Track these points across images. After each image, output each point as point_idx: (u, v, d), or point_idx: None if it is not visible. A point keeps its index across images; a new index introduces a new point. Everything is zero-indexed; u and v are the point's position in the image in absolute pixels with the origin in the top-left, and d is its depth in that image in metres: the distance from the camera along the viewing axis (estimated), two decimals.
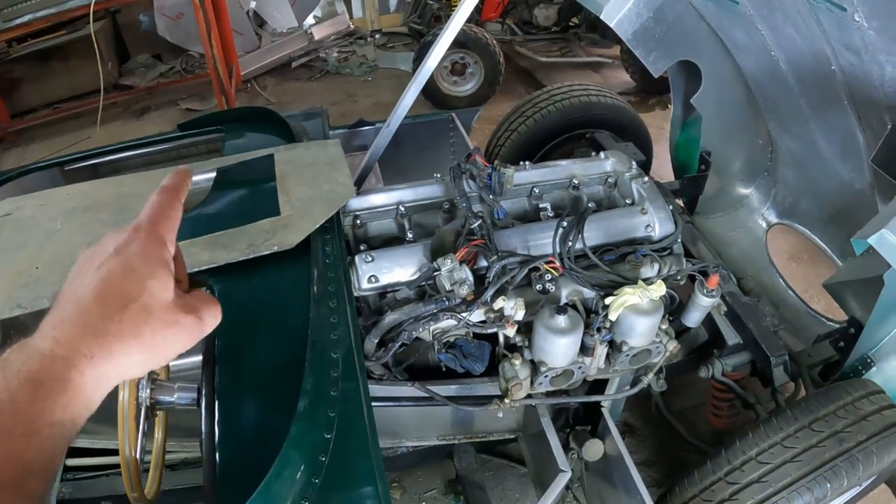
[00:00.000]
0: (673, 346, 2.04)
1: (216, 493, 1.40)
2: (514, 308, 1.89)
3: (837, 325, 2.68)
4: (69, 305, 0.72)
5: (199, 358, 1.65)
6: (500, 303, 1.86)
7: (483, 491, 2.52)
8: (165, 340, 0.76)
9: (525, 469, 2.67)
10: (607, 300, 1.91)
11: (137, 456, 1.48)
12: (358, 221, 2.16)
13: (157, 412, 1.65)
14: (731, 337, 2.41)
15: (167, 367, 1.76)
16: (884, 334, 2.29)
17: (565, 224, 2.04)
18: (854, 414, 2.10)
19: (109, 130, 6.01)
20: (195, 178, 2.25)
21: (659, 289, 1.91)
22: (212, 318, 0.83)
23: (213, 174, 2.25)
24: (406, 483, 3.10)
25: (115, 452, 1.45)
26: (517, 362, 1.90)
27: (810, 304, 3.14)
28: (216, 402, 1.51)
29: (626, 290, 1.88)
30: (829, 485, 1.98)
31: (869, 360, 2.38)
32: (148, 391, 1.52)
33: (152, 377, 1.56)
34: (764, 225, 3.44)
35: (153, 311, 0.75)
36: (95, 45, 5.59)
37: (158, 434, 1.70)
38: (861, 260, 2.51)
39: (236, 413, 1.53)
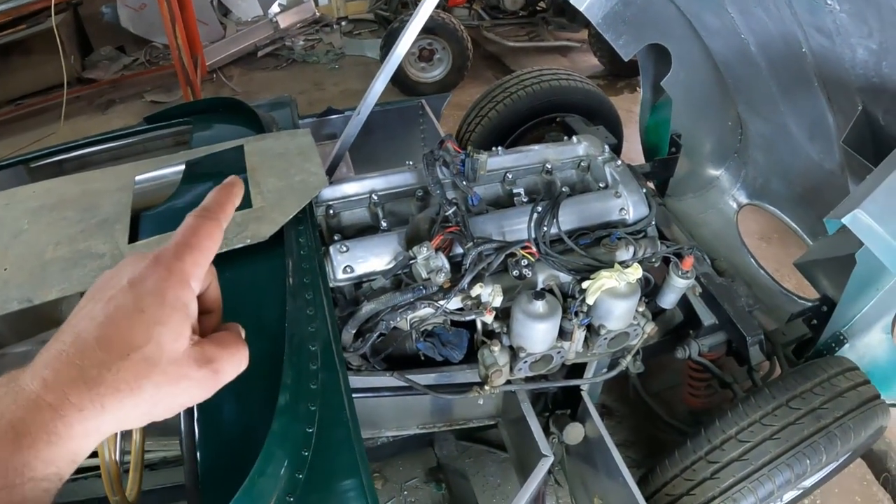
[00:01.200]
0: (650, 328, 2.05)
1: (199, 493, 1.38)
2: (491, 294, 1.88)
3: (810, 304, 2.71)
4: (69, 341, 0.62)
5: None
6: (477, 290, 1.86)
7: (465, 478, 2.52)
8: (170, 396, 0.66)
9: (505, 454, 2.68)
10: (584, 284, 1.91)
11: (116, 458, 1.45)
12: (331, 211, 2.13)
13: None
14: (707, 318, 2.43)
15: None
16: (856, 311, 2.33)
17: (540, 209, 2.03)
18: (831, 391, 2.14)
19: (74, 125, 5.91)
20: (162, 171, 2.24)
21: (635, 272, 1.91)
22: (232, 368, 0.72)
23: (182, 167, 2.21)
24: (387, 473, 3.09)
25: (94, 455, 1.42)
26: (496, 349, 1.89)
27: (781, 283, 3.17)
28: None
29: (603, 273, 1.88)
30: (808, 461, 2.01)
31: (842, 338, 2.43)
32: None
33: None
34: (734, 206, 3.46)
35: (158, 363, 0.64)
36: (57, 39, 5.49)
37: (136, 434, 1.67)
38: (831, 239, 2.53)
39: (216, 410, 1.50)
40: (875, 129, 2.19)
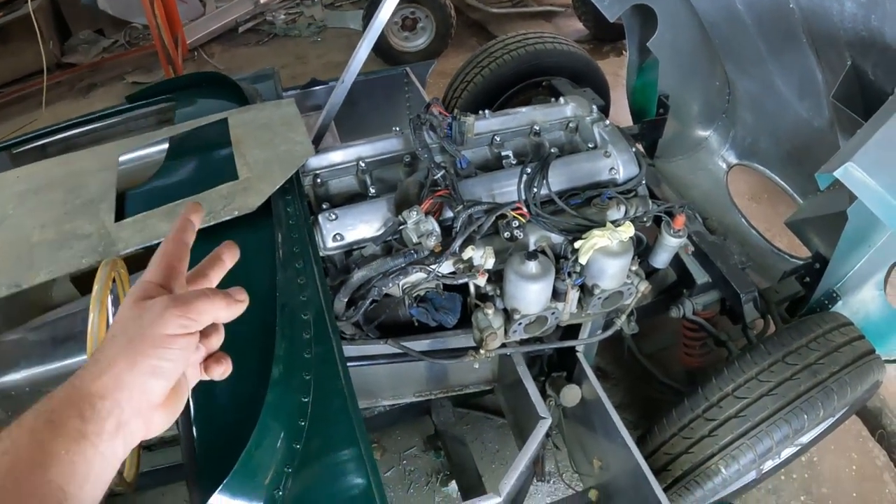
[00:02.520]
0: (644, 286, 2.03)
1: (197, 470, 1.37)
2: (483, 257, 1.86)
3: (802, 262, 2.71)
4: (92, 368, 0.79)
5: None
6: (468, 252, 1.84)
7: (463, 445, 2.52)
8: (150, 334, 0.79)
9: (503, 420, 2.68)
10: (576, 244, 1.89)
11: None
12: (318, 180, 2.11)
13: None
14: (700, 276, 2.42)
15: None
16: (848, 268, 2.33)
17: (529, 170, 2.02)
18: (826, 346, 2.14)
19: (56, 111, 5.82)
20: (146, 150, 2.22)
21: (627, 230, 1.89)
22: (201, 303, 0.84)
23: (166, 145, 2.19)
24: (386, 443, 3.10)
25: None
26: (490, 312, 1.87)
27: (772, 242, 3.17)
28: None
29: (595, 232, 1.87)
30: (805, 416, 2.01)
31: (835, 295, 2.43)
32: None
33: None
34: (724, 166, 3.45)
35: (134, 323, 0.79)
36: (35, 25, 5.39)
37: None
38: (822, 197, 2.53)
39: (210, 386, 1.47)
40: (864, 84, 2.18)
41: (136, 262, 2.21)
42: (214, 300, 0.85)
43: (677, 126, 3.41)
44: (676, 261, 2.41)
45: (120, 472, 1.47)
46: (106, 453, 0.75)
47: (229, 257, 0.98)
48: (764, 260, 3.09)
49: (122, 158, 2.14)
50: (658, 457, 2.17)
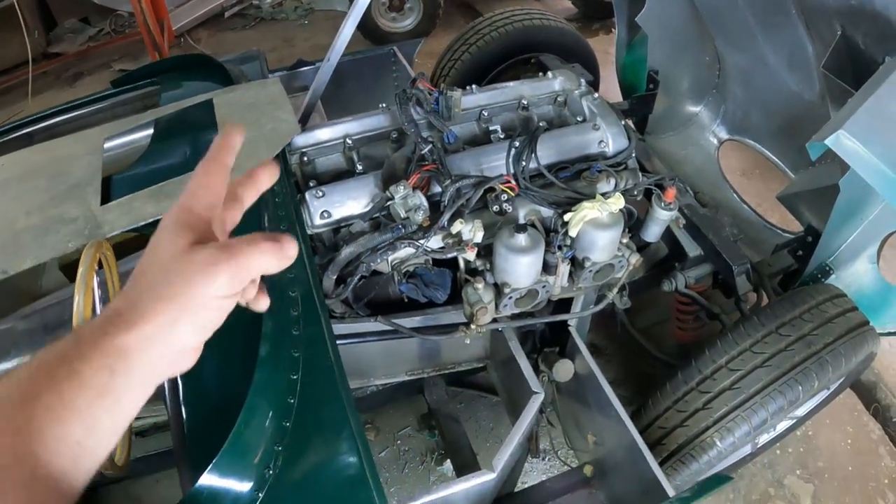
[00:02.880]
0: (635, 259, 2.02)
1: (186, 450, 1.37)
2: (472, 231, 1.84)
3: (794, 236, 2.70)
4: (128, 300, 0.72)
5: None
6: (457, 226, 1.82)
7: (457, 423, 2.51)
8: (185, 283, 0.71)
9: (496, 398, 2.67)
10: (566, 216, 1.88)
11: None
12: (305, 158, 2.08)
13: None
14: (692, 249, 2.41)
15: None
16: (841, 241, 2.32)
17: (517, 144, 2.00)
18: (820, 317, 2.12)
19: (43, 101, 5.75)
20: (132, 134, 2.21)
21: (618, 201, 1.88)
22: (245, 254, 0.74)
23: (151, 129, 2.17)
24: (379, 423, 3.09)
25: None
26: (480, 286, 1.86)
27: (764, 217, 3.16)
28: None
29: (585, 204, 1.85)
30: (800, 387, 2.00)
31: (828, 268, 2.42)
32: None
33: None
34: (715, 142, 3.45)
35: (161, 264, 0.72)
36: (19, 15, 5.33)
37: None
38: (814, 170, 2.52)
39: (198, 367, 1.47)
40: (855, 54, 2.16)
41: (123, 245, 2.21)
42: (268, 253, 0.76)
43: (667, 101, 3.40)
44: (668, 234, 2.40)
45: (111, 457, 1.46)
46: (129, 406, 0.71)
47: (267, 178, 0.87)
48: (756, 234, 3.08)
49: (108, 144, 2.12)
50: (653, 431, 2.16)
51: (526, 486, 2.52)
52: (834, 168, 2.19)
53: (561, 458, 2.88)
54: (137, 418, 2.38)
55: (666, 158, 3.36)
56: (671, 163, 3.37)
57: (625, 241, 2.00)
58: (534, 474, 2.93)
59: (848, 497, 2.97)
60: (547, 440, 2.86)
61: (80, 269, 1.43)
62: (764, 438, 2.68)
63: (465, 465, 2.33)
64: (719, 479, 1.86)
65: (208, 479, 1.23)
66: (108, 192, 1.87)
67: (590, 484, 2.37)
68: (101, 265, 1.62)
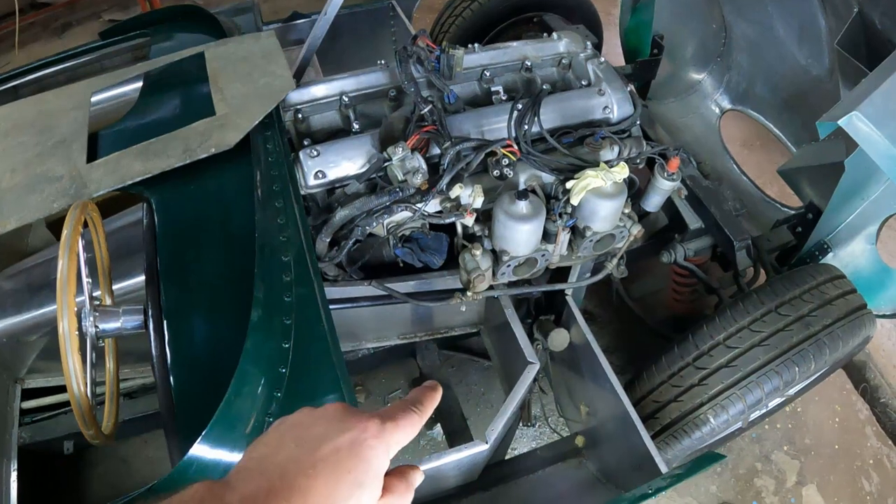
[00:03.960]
0: (637, 230, 1.97)
1: (175, 420, 1.34)
2: (471, 196, 1.80)
3: (794, 211, 2.67)
4: (276, 479, 0.68)
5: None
6: (456, 191, 1.78)
7: (448, 388, 2.48)
8: None
9: (488, 362, 2.65)
10: (568, 184, 1.82)
11: (87, 391, 1.39)
12: (300, 116, 2.01)
13: (105, 340, 1.56)
14: (693, 221, 2.38)
15: (112, 292, 1.66)
16: (841, 220, 2.30)
17: (520, 107, 1.93)
18: (819, 298, 2.10)
19: (30, 53, 5.63)
20: (121, 87, 2.15)
21: (622, 171, 1.83)
22: None
23: (141, 82, 2.11)
24: (370, 386, 3.08)
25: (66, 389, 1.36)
26: (478, 253, 1.81)
27: (763, 190, 3.13)
28: (165, 323, 1.44)
29: (589, 172, 1.80)
30: (797, 368, 1.99)
31: (826, 246, 2.40)
32: (91, 319, 1.44)
33: (95, 303, 1.46)
34: (717, 111, 3.42)
35: None
36: None
37: (110, 363, 1.60)
38: (817, 146, 2.49)
39: (187, 332, 1.46)
40: (871, 33, 2.13)
41: (110, 204, 2.15)
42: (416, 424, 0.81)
43: (671, 68, 3.36)
44: (668, 205, 2.37)
45: (98, 426, 1.43)
46: None
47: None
48: (755, 208, 3.06)
49: (95, 98, 2.07)
50: (646, 404, 2.15)
51: (516, 452, 2.52)
52: (838, 145, 2.15)
53: (551, 426, 2.87)
54: (126, 379, 2.36)
55: (666, 125, 3.33)
56: (671, 130, 3.33)
57: (627, 211, 1.95)
58: (523, 440, 2.93)
59: (833, 475, 2.99)
60: (538, 407, 2.84)
61: (64, 232, 1.38)
62: (755, 414, 2.67)
63: (456, 431, 2.31)
64: (712, 457, 1.84)
65: (199, 450, 1.20)
66: (94, 149, 1.82)
67: (581, 454, 2.36)
68: (86, 225, 1.57)
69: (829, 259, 2.41)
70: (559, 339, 2.18)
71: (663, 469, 1.84)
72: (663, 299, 2.97)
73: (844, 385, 3.26)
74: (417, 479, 0.82)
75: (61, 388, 2.31)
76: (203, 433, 1.19)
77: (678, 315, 2.86)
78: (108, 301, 1.65)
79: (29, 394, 2.37)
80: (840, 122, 1.70)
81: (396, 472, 0.80)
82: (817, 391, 3.05)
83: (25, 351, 2.30)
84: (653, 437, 2.02)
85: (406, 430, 0.78)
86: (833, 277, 2.19)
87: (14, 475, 2.10)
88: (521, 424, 2.67)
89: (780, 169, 2.64)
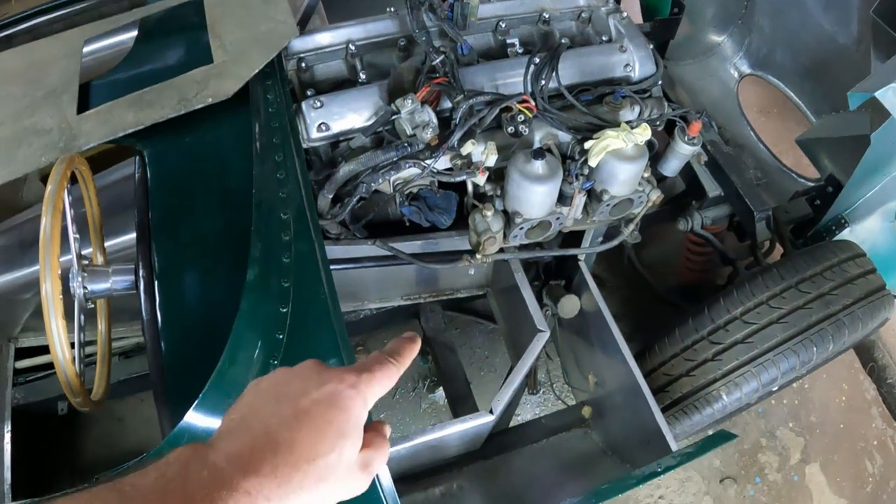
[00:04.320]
0: (656, 195, 1.89)
1: (165, 387, 1.30)
2: (484, 153, 1.71)
3: (812, 183, 2.63)
4: (260, 435, 0.70)
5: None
6: (468, 147, 1.68)
7: (453, 352, 2.44)
8: (333, 495, 0.74)
9: (493, 325, 2.60)
10: (586, 144, 1.73)
11: (76, 358, 1.32)
12: (303, 65, 1.91)
13: (95, 301, 1.52)
14: (712, 188, 2.31)
15: (104, 249, 1.60)
16: (862, 194, 2.24)
17: (538, 60, 1.83)
18: (841, 276, 2.05)
19: (26, 1, 5.50)
20: (115, 36, 2.08)
21: (644, 132, 1.74)
22: (380, 467, 0.80)
23: (136, 31, 2.01)
24: (371, 346, 3.02)
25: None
26: (489, 214, 1.73)
27: (780, 159, 3.05)
28: (155, 284, 1.39)
29: (609, 133, 1.71)
30: (815, 348, 1.95)
31: (843, 221, 2.35)
32: (80, 279, 1.40)
33: (84, 262, 1.39)
34: (736, 75, 3.34)
35: (336, 470, 0.72)
36: None
37: (101, 325, 1.53)
38: (838, 117, 2.41)
39: (179, 294, 1.41)
40: None
41: (105, 157, 2.07)
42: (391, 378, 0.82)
43: (690, 28, 3.26)
44: (686, 170, 2.29)
45: (86, 392, 1.39)
46: None
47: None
48: (771, 177, 2.98)
49: (89, 47, 1.99)
50: (656, 377, 2.10)
51: (519, 418, 2.46)
52: (863, 118, 2.07)
53: (556, 393, 2.82)
54: (120, 338, 2.29)
55: (683, 87, 3.21)
56: (688, 92, 3.23)
57: (646, 175, 1.86)
58: (527, 407, 2.89)
59: (836, 455, 2.98)
60: (543, 372, 2.79)
61: (48, 188, 1.30)
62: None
63: (459, 396, 2.27)
64: (723, 436, 1.78)
65: (192, 419, 1.16)
66: (86, 100, 1.75)
67: (586, 424, 2.31)
68: (77, 181, 1.49)
69: (846, 234, 2.35)
70: (570, 305, 2.11)
71: (674, 447, 1.79)
72: (675, 267, 2.90)
73: (853, 363, 3.22)
74: (388, 432, 0.85)
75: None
76: (196, 401, 1.15)
77: (689, 284, 2.78)
78: (100, 259, 1.59)
79: (23, 353, 2.34)
80: (877, 94, 1.64)
81: (371, 426, 0.81)
82: (825, 368, 3.01)
83: (18, 309, 2.25)
84: (662, 411, 1.96)
85: (382, 382, 0.80)
86: (854, 255, 2.14)
87: (7, 436, 2.09)
88: (526, 392, 2.61)
89: (799, 138, 2.56)
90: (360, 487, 0.77)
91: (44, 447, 2.66)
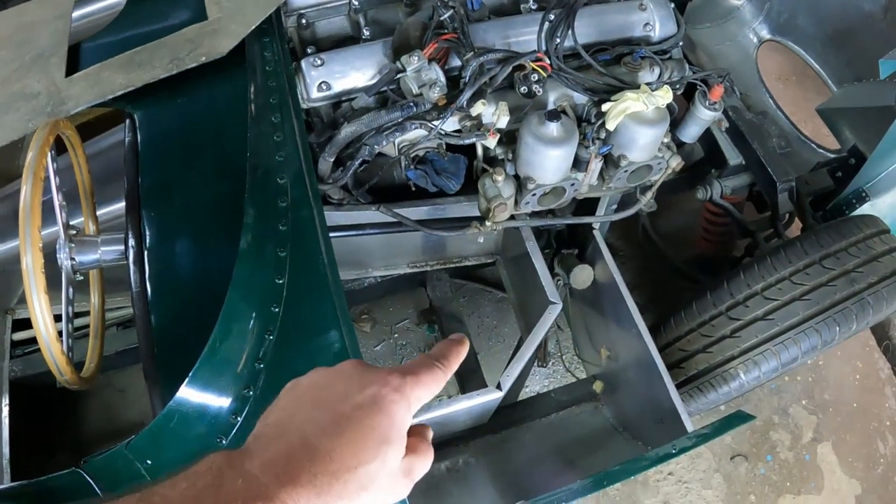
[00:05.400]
0: (676, 162, 1.81)
1: (156, 363, 1.25)
2: (495, 114, 1.63)
3: (833, 155, 2.55)
4: (297, 443, 0.66)
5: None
6: (478, 108, 1.60)
7: (460, 322, 2.40)
8: (374, 503, 0.70)
9: (502, 293, 2.53)
10: (604, 107, 1.64)
11: (64, 332, 1.27)
12: (303, 21, 1.83)
13: (87, 273, 1.47)
14: (733, 157, 2.23)
15: (96, 219, 1.53)
16: (885, 168, 2.15)
17: (552, 17, 1.73)
18: (866, 253, 1.97)
19: None
20: (106, 2, 1.99)
21: (666, 95, 1.65)
22: (422, 473, 0.77)
23: None
24: (376, 314, 2.99)
25: (56, 318, 1.25)
26: (500, 178, 1.64)
27: (799, 128, 2.96)
28: (145, 255, 1.33)
29: (629, 94, 1.61)
30: (838, 328, 1.87)
31: (864, 194, 2.25)
32: (67, 250, 1.35)
33: (71, 232, 1.32)
34: (755, 40, 3.22)
35: (378, 478, 0.69)
36: None
37: (94, 297, 1.46)
38: (861, 87, 2.34)
39: (170, 265, 1.36)
40: None
41: (98, 123, 1.99)
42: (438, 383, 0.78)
43: None
44: (706, 137, 2.19)
45: (74, 370, 1.34)
46: None
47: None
48: (791, 146, 2.88)
49: (78, 11, 1.91)
50: (671, 352, 2.04)
51: (527, 390, 2.41)
52: (887, 89, 1.97)
53: (565, 364, 2.76)
54: (118, 308, 2.23)
55: (700, 51, 3.13)
56: (706, 56, 3.13)
57: (666, 140, 1.77)
58: (535, 378, 2.85)
59: (849, 435, 2.93)
60: (553, 342, 2.73)
61: (29, 155, 1.23)
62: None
63: (467, 370, 2.22)
64: (741, 417, 1.72)
65: (184, 394, 1.11)
66: (76, 63, 1.68)
67: (597, 398, 2.25)
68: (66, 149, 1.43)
69: (866, 208, 2.26)
70: (583, 276, 2.04)
71: (689, 427, 1.72)
72: (691, 238, 2.82)
73: (868, 341, 3.16)
74: (430, 435, 0.81)
75: (56, 318, 2.25)
76: (189, 376, 1.10)
77: (706, 256, 2.71)
78: (91, 229, 1.52)
79: (20, 325, 2.30)
80: None
81: (415, 430, 0.78)
82: (840, 346, 2.95)
83: (14, 280, 2.21)
84: (676, 388, 1.89)
85: (429, 386, 0.76)
86: (880, 231, 2.05)
87: (6, 410, 2.07)
88: (535, 364, 2.54)
89: (820, 107, 2.47)
90: (401, 494, 0.74)
91: (43, 420, 2.63)
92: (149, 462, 1.14)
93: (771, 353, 1.87)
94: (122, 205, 1.82)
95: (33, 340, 2.35)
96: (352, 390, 0.71)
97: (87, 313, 1.57)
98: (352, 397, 0.70)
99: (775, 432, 2.88)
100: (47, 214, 1.33)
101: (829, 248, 1.95)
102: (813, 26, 2.90)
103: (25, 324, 2.27)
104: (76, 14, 1.90)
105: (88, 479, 1.14)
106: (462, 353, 0.83)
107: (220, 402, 1.14)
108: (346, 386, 0.72)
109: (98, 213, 1.69)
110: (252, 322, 1.18)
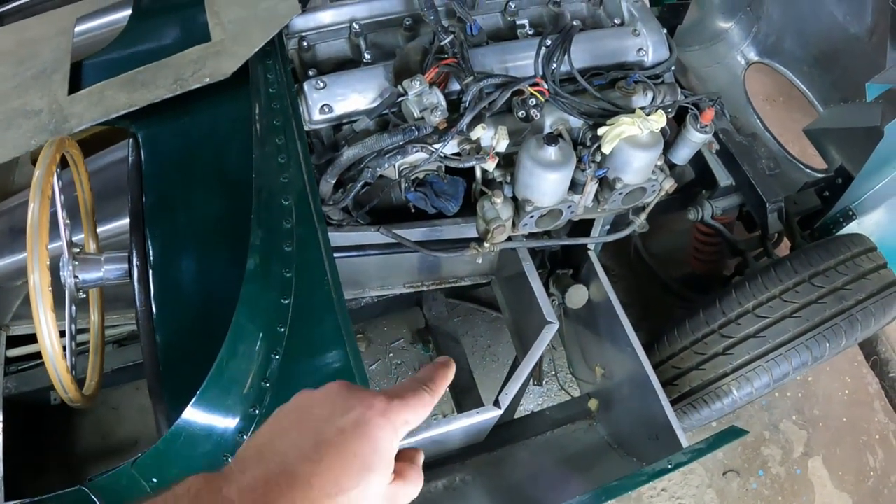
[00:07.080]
0: (669, 184, 1.84)
1: (161, 382, 1.25)
2: (494, 138, 1.65)
3: (820, 174, 2.59)
4: (276, 469, 0.64)
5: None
6: (478, 132, 1.63)
7: (456, 342, 2.40)
8: None
9: (496, 313, 2.55)
10: (600, 130, 1.67)
11: (68, 353, 1.28)
12: (305, 44, 1.85)
13: (87, 291, 1.46)
14: (723, 178, 2.27)
15: (97, 236, 1.55)
16: (871, 186, 2.19)
17: (549, 43, 1.76)
18: (854, 271, 2.03)
19: None
20: (109, 16, 2.02)
21: (660, 119, 1.68)
22: (407, 501, 0.74)
23: (129, 10, 1.94)
24: (371, 334, 3.01)
25: (60, 335, 1.25)
26: (498, 201, 1.67)
27: (786, 148, 3.00)
28: (150, 274, 1.34)
29: (624, 119, 1.65)
30: (828, 344, 1.93)
31: (851, 213, 2.31)
32: (71, 268, 1.34)
33: (74, 250, 1.33)
34: (743, 62, 3.27)
35: None
36: None
37: (94, 315, 1.47)
38: (847, 108, 2.38)
39: (175, 284, 1.36)
40: None
41: (95, 141, 2.00)
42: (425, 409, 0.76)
43: (698, 13, 3.19)
44: (697, 158, 2.24)
45: (78, 388, 1.32)
46: None
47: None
48: (779, 167, 2.93)
49: (83, 26, 1.93)
50: (665, 369, 2.07)
51: (522, 408, 2.42)
52: (874, 109, 2.03)
53: (560, 383, 2.78)
54: (115, 325, 2.24)
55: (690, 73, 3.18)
56: (695, 78, 3.18)
57: (660, 163, 1.81)
58: (529, 397, 2.86)
59: (839, 449, 2.96)
60: (547, 361, 2.75)
61: (36, 173, 1.24)
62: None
63: (463, 389, 2.23)
64: (734, 432, 1.75)
65: (190, 416, 1.11)
66: (78, 80, 1.70)
67: (591, 416, 2.27)
68: (67, 164, 1.44)
69: (853, 226, 2.31)
70: (578, 296, 2.07)
71: (684, 443, 1.75)
72: (681, 257, 2.86)
73: (856, 357, 3.20)
74: (421, 460, 0.80)
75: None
76: (196, 395, 1.10)
77: (696, 274, 2.74)
78: (91, 247, 1.53)
79: (14, 342, 2.28)
80: None
81: (404, 454, 0.76)
82: (829, 362, 3.00)
83: (10, 297, 2.19)
84: (670, 405, 1.91)
85: (416, 410, 0.73)
86: (867, 249, 2.11)
87: (0, 427, 2.04)
88: (531, 383, 2.56)
89: (807, 128, 2.52)
90: None
91: (37, 437, 2.62)
92: (154, 480, 1.14)
93: (763, 369, 1.92)
94: (121, 222, 1.85)
95: (27, 357, 2.34)
96: (335, 413, 0.69)
97: (86, 330, 1.58)
98: (335, 421, 0.68)
99: (766, 447, 2.91)
100: (50, 231, 1.33)
101: (817, 266, 2.00)
102: (799, 48, 2.95)
103: (19, 340, 2.27)
104: (78, 30, 1.92)
105: (93, 497, 1.13)
106: (449, 376, 0.81)
107: (226, 421, 1.14)
108: (330, 409, 0.70)
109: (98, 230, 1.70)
110: (259, 342, 1.19)
